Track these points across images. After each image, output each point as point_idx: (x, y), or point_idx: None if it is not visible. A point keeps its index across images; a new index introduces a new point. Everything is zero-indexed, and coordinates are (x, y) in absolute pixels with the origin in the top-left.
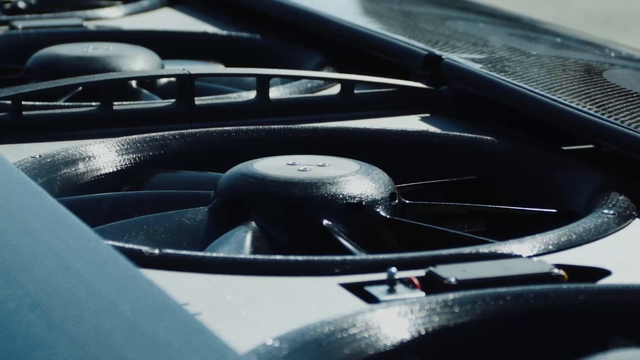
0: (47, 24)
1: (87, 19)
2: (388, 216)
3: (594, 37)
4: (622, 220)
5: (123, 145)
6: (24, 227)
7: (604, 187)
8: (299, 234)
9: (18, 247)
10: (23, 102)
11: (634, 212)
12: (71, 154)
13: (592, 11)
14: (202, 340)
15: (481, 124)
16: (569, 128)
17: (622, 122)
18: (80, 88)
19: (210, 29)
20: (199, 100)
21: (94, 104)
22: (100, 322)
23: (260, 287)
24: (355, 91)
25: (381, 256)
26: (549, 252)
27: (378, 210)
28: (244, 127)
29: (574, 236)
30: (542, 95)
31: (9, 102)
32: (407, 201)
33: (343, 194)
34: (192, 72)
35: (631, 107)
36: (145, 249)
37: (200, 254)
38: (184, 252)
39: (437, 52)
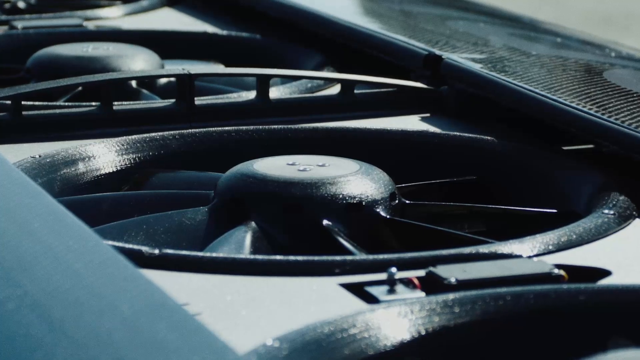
0: (47, 23)
1: (87, 18)
2: (388, 216)
3: (594, 37)
4: (623, 220)
5: (123, 145)
6: (24, 227)
7: (604, 187)
8: (299, 234)
9: (18, 247)
10: (23, 102)
11: (634, 212)
12: (71, 154)
13: (592, 11)
14: (202, 341)
15: (481, 124)
16: (569, 128)
17: (623, 122)
18: (80, 88)
19: (210, 28)
20: (198, 100)
21: (93, 104)
22: (100, 322)
23: (260, 287)
24: (355, 91)
25: (381, 256)
26: (549, 252)
27: (378, 210)
28: (244, 127)
29: (574, 236)
30: (543, 95)
31: (8, 102)
32: (407, 201)
33: (343, 194)
34: (192, 72)
35: (631, 107)
36: (145, 249)
37: (200, 254)
38: (183, 252)
39: (437, 52)
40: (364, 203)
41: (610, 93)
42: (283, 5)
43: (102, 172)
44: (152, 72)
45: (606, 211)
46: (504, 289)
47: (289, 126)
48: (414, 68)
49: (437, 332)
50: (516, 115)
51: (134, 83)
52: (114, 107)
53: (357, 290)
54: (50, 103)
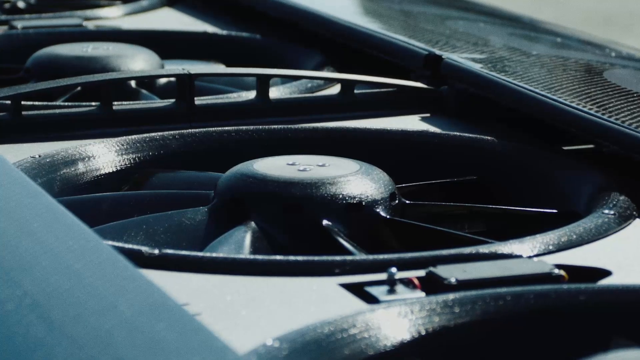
0: (47, 23)
1: (87, 18)
2: (388, 216)
3: (595, 37)
4: (623, 220)
5: (123, 145)
6: (24, 227)
7: (604, 187)
8: (299, 234)
9: (17, 247)
10: (22, 102)
11: (634, 212)
12: (71, 154)
13: (593, 11)
14: (201, 341)
15: (481, 124)
16: (569, 128)
17: (623, 122)
18: (79, 88)
19: (210, 28)
20: (198, 100)
21: (93, 104)
22: (100, 322)
23: (260, 287)
24: (355, 91)
25: (381, 256)
26: (549, 252)
27: (378, 210)
28: (244, 127)
29: (575, 236)
30: (543, 95)
31: (8, 102)
32: (407, 201)
33: (343, 194)
34: (192, 72)
35: (632, 107)
36: (144, 249)
37: (200, 254)
38: (183, 252)
39: (438, 52)
40: (364, 203)
41: (611, 93)
42: (283, 5)
43: (102, 172)
44: (152, 72)
45: (606, 211)
46: (504, 289)
47: (289, 126)
48: (414, 68)
49: (437, 332)
50: (516, 115)
51: (133, 83)
52: (114, 107)
53: (357, 290)
54: (50, 103)
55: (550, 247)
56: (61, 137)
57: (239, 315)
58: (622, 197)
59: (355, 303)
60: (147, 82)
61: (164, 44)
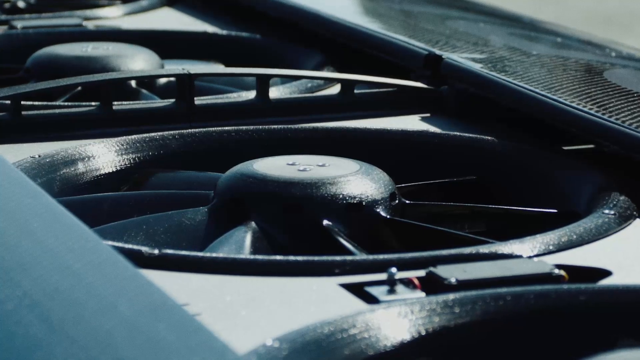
0: (47, 23)
1: (87, 18)
2: (388, 216)
3: (595, 37)
4: (623, 220)
5: (122, 145)
6: (23, 228)
7: (604, 187)
8: (299, 234)
9: (17, 247)
10: (22, 102)
11: (634, 213)
12: (70, 154)
13: (593, 11)
14: (201, 341)
15: (481, 124)
16: (569, 128)
17: (623, 122)
18: (79, 88)
19: (210, 28)
20: (198, 100)
21: (93, 103)
22: (100, 322)
23: (260, 287)
24: (356, 91)
25: (381, 256)
26: (550, 252)
27: (378, 210)
28: (244, 127)
29: (575, 236)
30: (543, 95)
31: (8, 102)
32: (407, 201)
33: (343, 194)
34: (192, 72)
35: (632, 107)
36: (144, 249)
37: (200, 254)
38: (183, 252)
39: (438, 51)
40: (364, 203)
41: (611, 93)
42: (283, 5)
43: (102, 172)
44: (151, 72)
45: (606, 211)
46: (504, 289)
47: (289, 126)
48: (414, 68)
49: (437, 333)
50: (516, 115)
51: (133, 83)
52: (114, 107)
53: (357, 290)
54: (49, 103)
55: (551, 247)
56: (61, 137)
57: (239, 315)
58: (622, 197)
59: (355, 303)
60: (147, 82)
61: (164, 44)
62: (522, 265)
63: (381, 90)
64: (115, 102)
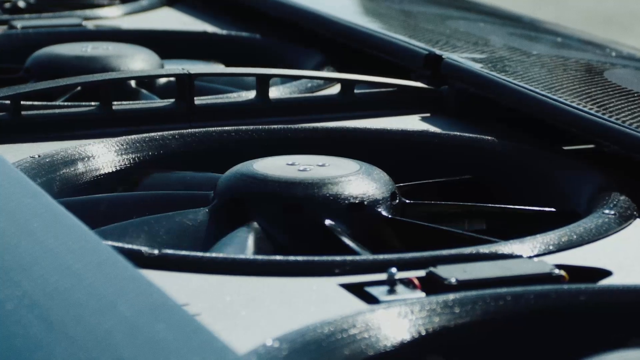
0: (46, 23)
1: (86, 18)
2: (389, 216)
3: (595, 37)
4: (623, 220)
5: (122, 145)
6: (23, 228)
7: (604, 187)
8: (301, 234)
9: (17, 247)
10: (22, 102)
11: (634, 213)
12: (70, 154)
13: (593, 11)
14: (201, 341)
15: (481, 124)
16: (569, 128)
17: (623, 122)
18: (79, 88)
19: (209, 28)
20: (198, 100)
21: (93, 103)
22: (100, 322)
23: (260, 287)
24: (356, 91)
25: (381, 256)
26: (550, 252)
27: (379, 210)
28: (244, 127)
29: (575, 236)
30: (543, 95)
31: (7, 102)
32: (407, 201)
33: (345, 194)
34: (192, 71)
35: (632, 106)
36: (144, 249)
37: (200, 254)
38: (183, 252)
39: (438, 51)
40: (365, 203)
41: (611, 93)
42: (283, 5)
43: (102, 172)
44: (151, 72)
45: (607, 211)
46: (504, 289)
47: (289, 126)
48: (414, 68)
49: (437, 333)
50: (516, 115)
51: (133, 83)
52: (114, 107)
53: (357, 290)
54: (49, 103)
55: (551, 247)
56: (61, 137)
57: (239, 315)
58: (622, 197)
59: (355, 303)
60: (147, 82)
61: (164, 43)
62: (522, 265)
63: (381, 90)
64: (115, 102)
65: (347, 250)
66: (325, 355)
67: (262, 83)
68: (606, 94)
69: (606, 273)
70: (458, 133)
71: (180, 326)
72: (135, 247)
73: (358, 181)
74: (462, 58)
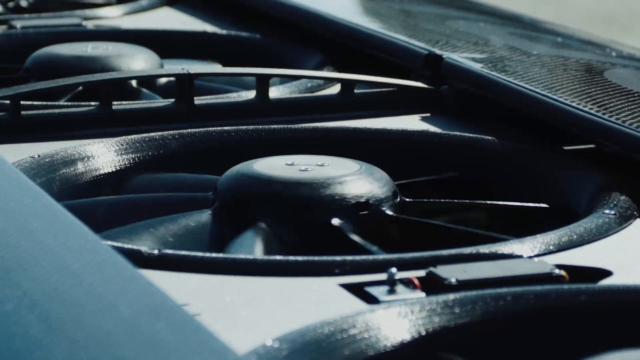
0: (46, 23)
1: (86, 18)
2: (394, 214)
3: (595, 37)
4: (624, 220)
5: (122, 145)
6: (23, 228)
7: (605, 187)
8: (308, 234)
9: (16, 248)
10: (22, 102)
11: (635, 213)
12: (70, 154)
13: (594, 11)
14: (201, 341)
15: (482, 123)
16: (570, 128)
17: (624, 122)
18: (80, 88)
19: (209, 28)
20: (198, 100)
21: (92, 103)
22: (99, 322)
23: (260, 287)
24: (356, 91)
25: (381, 256)
26: (550, 252)
27: (384, 208)
28: (244, 127)
29: (575, 236)
30: (543, 95)
31: (7, 101)
32: (406, 199)
33: (352, 193)
34: (192, 71)
35: (632, 106)
36: (144, 249)
37: (200, 254)
38: (183, 252)
39: (438, 51)
40: (371, 202)
41: (611, 93)
42: (283, 5)
43: (101, 172)
44: (151, 72)
45: (607, 211)
46: (504, 289)
47: (289, 126)
48: (414, 68)
49: (437, 333)
50: (516, 115)
51: (134, 82)
52: (113, 107)
53: (357, 290)
54: (49, 103)
55: (551, 247)
56: (60, 137)
57: (239, 315)
58: (622, 197)
59: (355, 303)
60: (147, 82)
61: (164, 43)
62: (522, 265)
63: (381, 90)
64: (114, 102)
65: (360, 249)
66: (325, 355)
67: (262, 83)
68: (606, 93)
69: (606, 273)
70: (458, 133)
71: (180, 326)
72: (135, 247)
73: (362, 180)
74: (462, 58)
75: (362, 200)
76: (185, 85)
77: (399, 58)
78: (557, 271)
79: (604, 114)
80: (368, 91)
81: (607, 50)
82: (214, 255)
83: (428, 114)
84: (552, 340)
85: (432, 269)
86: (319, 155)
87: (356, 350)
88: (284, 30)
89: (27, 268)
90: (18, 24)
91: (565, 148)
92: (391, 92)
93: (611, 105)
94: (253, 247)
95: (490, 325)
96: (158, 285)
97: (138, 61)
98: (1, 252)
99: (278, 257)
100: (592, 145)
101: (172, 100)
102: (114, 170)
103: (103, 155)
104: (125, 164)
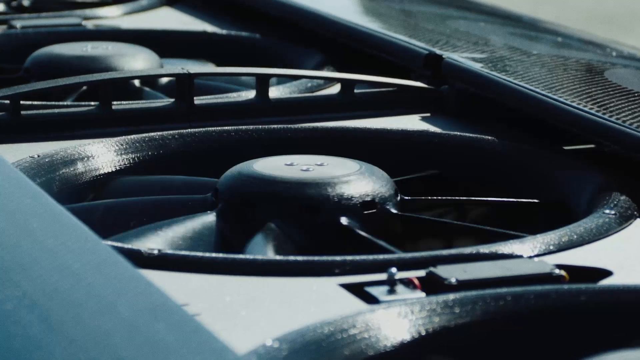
0: (46, 23)
1: (86, 18)
2: (399, 212)
3: (596, 37)
4: (624, 220)
5: (122, 145)
6: (23, 228)
7: (605, 187)
8: (316, 233)
9: (16, 247)
10: (21, 102)
11: (635, 212)
12: (70, 153)
13: (593, 11)
14: (201, 341)
15: (482, 123)
16: (570, 128)
17: (624, 121)
18: (84, 87)
19: (209, 28)
20: (198, 100)
21: (92, 103)
22: (99, 322)
23: (260, 287)
24: (356, 91)
25: (381, 256)
26: (550, 252)
27: (388, 207)
28: (244, 127)
29: (575, 236)
30: (543, 95)
31: (7, 101)
32: (406, 197)
33: (358, 192)
34: (192, 71)
35: (633, 106)
36: (144, 249)
37: (200, 254)
38: (183, 252)
39: (438, 51)
40: (376, 200)
41: (612, 93)
42: (283, 5)
43: (101, 172)
44: (151, 72)
45: (607, 211)
46: (504, 289)
47: (289, 126)
48: (414, 68)
49: (438, 333)
50: (517, 115)
51: (136, 82)
52: (113, 107)
53: (357, 290)
54: (49, 103)
55: (551, 247)
56: (60, 137)
57: (239, 315)
58: (622, 197)
59: (355, 303)
60: (146, 81)
61: (164, 43)
62: (522, 265)
63: (381, 90)
64: (114, 102)
65: (372, 247)
66: (325, 355)
67: (262, 83)
68: (606, 93)
69: (606, 273)
70: (458, 133)
71: (180, 326)
72: (134, 247)
73: (366, 179)
74: (462, 58)
75: (369, 198)
76: (185, 85)
77: (399, 58)
78: (557, 271)
79: (604, 114)
80: (368, 91)
81: (607, 50)
82: (213, 255)
83: (428, 114)
84: (552, 341)
85: (432, 269)
86: (318, 155)
87: (356, 350)
88: (283, 30)
89: (27, 268)
90: (18, 23)
91: (565, 148)
92: (391, 92)
93: (611, 105)
94: (266, 249)
95: (490, 326)
96: (158, 285)
97: (138, 61)
98: (1, 252)
99: (278, 257)
100: (592, 145)
101: (172, 100)
102: (113, 170)
103: (103, 155)
104: (125, 164)
